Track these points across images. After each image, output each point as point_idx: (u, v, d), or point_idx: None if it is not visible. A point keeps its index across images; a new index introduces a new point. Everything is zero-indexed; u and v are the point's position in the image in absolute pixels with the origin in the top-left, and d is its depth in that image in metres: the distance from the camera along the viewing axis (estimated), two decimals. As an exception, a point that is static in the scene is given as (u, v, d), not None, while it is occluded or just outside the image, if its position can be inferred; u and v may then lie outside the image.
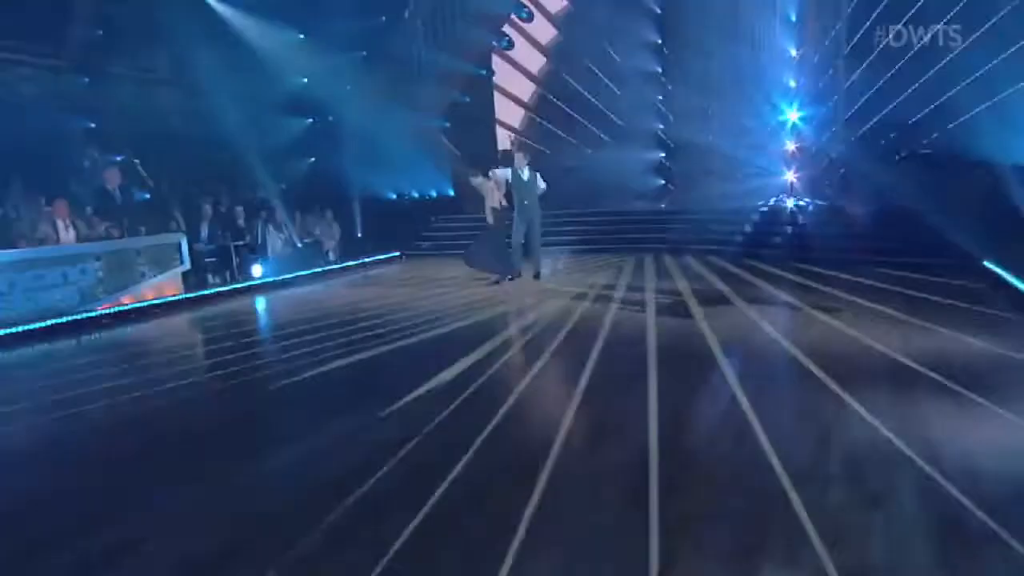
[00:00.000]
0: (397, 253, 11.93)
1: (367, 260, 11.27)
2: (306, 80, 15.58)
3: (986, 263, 7.39)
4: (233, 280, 9.21)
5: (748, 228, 10.51)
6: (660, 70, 15.84)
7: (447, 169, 14.74)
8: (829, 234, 9.35)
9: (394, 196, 13.91)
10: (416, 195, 14.17)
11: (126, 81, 11.11)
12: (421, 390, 4.20)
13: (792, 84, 14.45)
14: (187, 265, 8.19)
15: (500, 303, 7.27)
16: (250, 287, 9.06)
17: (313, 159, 15.55)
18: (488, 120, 17.00)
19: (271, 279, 9.46)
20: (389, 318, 6.63)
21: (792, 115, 14.29)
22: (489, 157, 16.69)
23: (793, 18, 14.17)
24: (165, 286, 7.94)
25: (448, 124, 14.98)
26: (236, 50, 14.77)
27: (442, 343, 5.62)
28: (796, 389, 4.00)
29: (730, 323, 5.66)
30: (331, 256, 10.95)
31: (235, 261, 9.26)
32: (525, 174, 8.32)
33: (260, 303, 8.30)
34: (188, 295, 8.04)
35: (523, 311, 6.73)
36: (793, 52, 14.26)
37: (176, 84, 13.43)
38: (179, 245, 8.07)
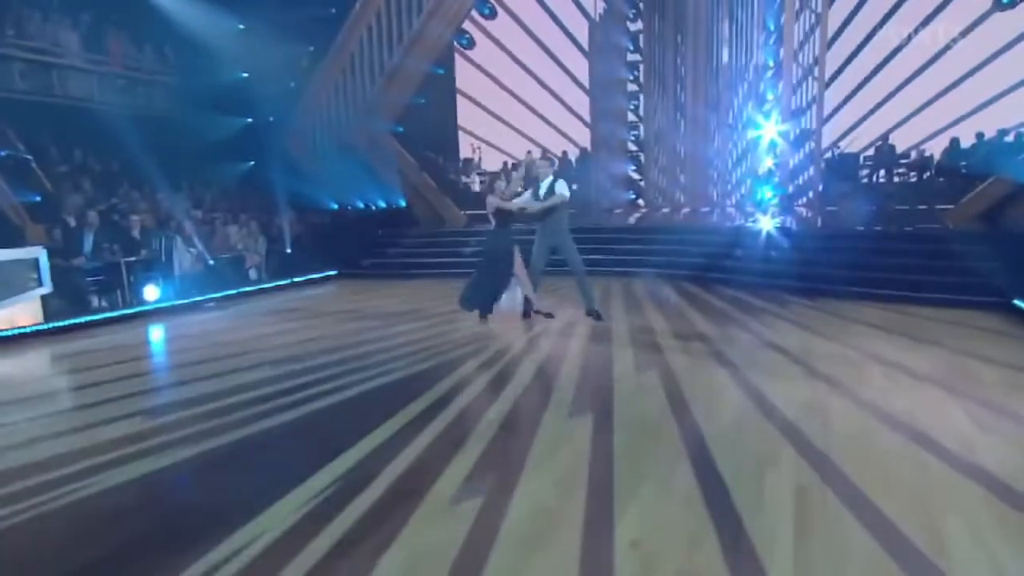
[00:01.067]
0: (334, 272, 10.26)
1: (298, 280, 9.59)
2: (246, 75, 13.91)
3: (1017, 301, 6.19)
4: (123, 304, 7.45)
5: (731, 251, 9.18)
6: (632, 76, 14.58)
7: (399, 178, 13.16)
8: (820, 260, 8.10)
9: (335, 207, 12.22)
10: (361, 206, 12.52)
11: (14, 61, 9.26)
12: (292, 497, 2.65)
13: (770, 97, 13.39)
14: (47, 287, 6.40)
15: (446, 344, 5.71)
16: (141, 314, 7.32)
17: (252, 163, 13.88)
18: (450, 125, 15.50)
19: (173, 303, 7.73)
20: (296, 367, 5.01)
21: (770, 129, 13.21)
22: (446, 166, 15.27)
23: (772, 27, 13.10)
24: (17, 314, 6.15)
25: (402, 129, 13.40)
26: (165, 35, 13.02)
27: (359, 405, 4.06)
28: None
29: (729, 402, 4.22)
30: (253, 275, 9.22)
31: (126, 281, 7.49)
32: (543, 188, 6.29)
33: (136, 337, 6.55)
34: (45, 326, 6.27)
35: (461, 358, 5.19)
36: (771, 64, 13.17)
37: (89, 69, 11.61)
38: (36, 262, 6.27)
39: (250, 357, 5.37)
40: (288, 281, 9.46)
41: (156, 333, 6.72)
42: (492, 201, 6.23)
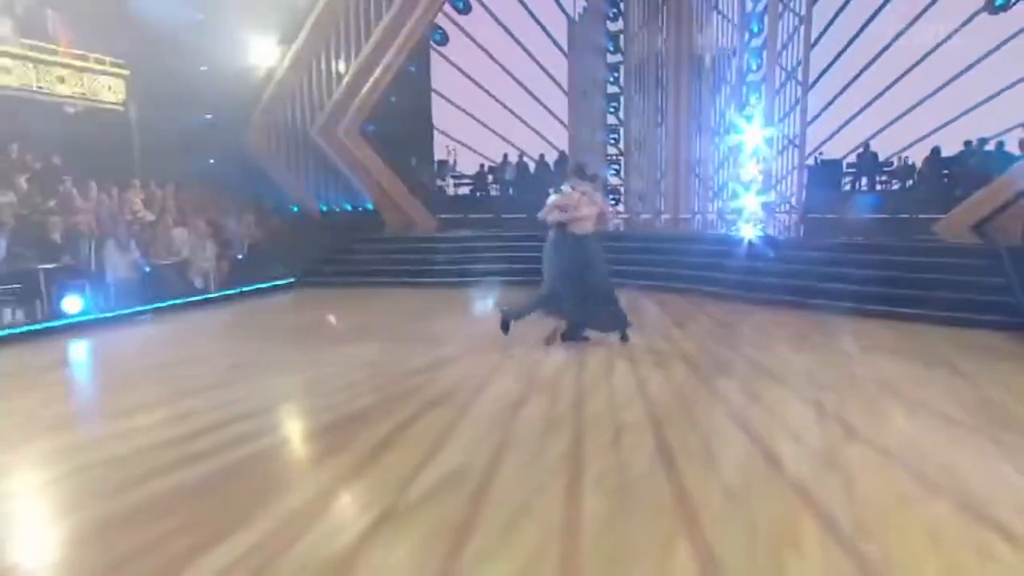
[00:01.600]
0: (292, 280, 9.38)
1: (248, 289, 8.70)
2: (204, 68, 12.95)
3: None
4: (41, 318, 6.51)
5: (715, 261, 8.52)
6: (612, 78, 13.94)
7: (367, 179, 12.32)
8: (812, 272, 7.50)
9: (296, 209, 11.33)
10: (325, 208, 11.65)
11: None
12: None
13: (753, 101, 12.87)
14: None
15: (397, 372, 4.92)
16: (57, 329, 6.40)
17: (211, 161, 12.90)
18: (424, 126, 14.68)
19: (100, 316, 6.82)
20: (216, 402, 4.18)
21: (753, 134, 12.68)
22: (420, 168, 14.45)
23: (755, 29, 12.58)
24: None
25: (372, 127, 12.57)
26: (117, 22, 12.02)
27: (276, 457, 3.25)
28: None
29: (729, 452, 3.51)
30: (199, 283, 8.31)
31: (44, 291, 6.56)
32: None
33: (37, 358, 5.64)
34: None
35: (411, 391, 4.41)
36: (755, 67, 12.65)
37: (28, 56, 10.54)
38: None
39: (162, 389, 4.52)
40: (239, 290, 8.56)
41: (65, 352, 5.82)
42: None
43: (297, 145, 12.64)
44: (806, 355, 5.16)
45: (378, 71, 12.30)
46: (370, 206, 12.12)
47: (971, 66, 11.60)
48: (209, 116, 12.99)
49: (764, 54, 12.36)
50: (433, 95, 14.85)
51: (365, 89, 12.35)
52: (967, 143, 11.57)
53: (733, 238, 9.48)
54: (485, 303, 7.95)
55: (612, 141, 13.79)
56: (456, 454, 3.23)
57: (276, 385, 4.57)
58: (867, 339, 5.65)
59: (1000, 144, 11.31)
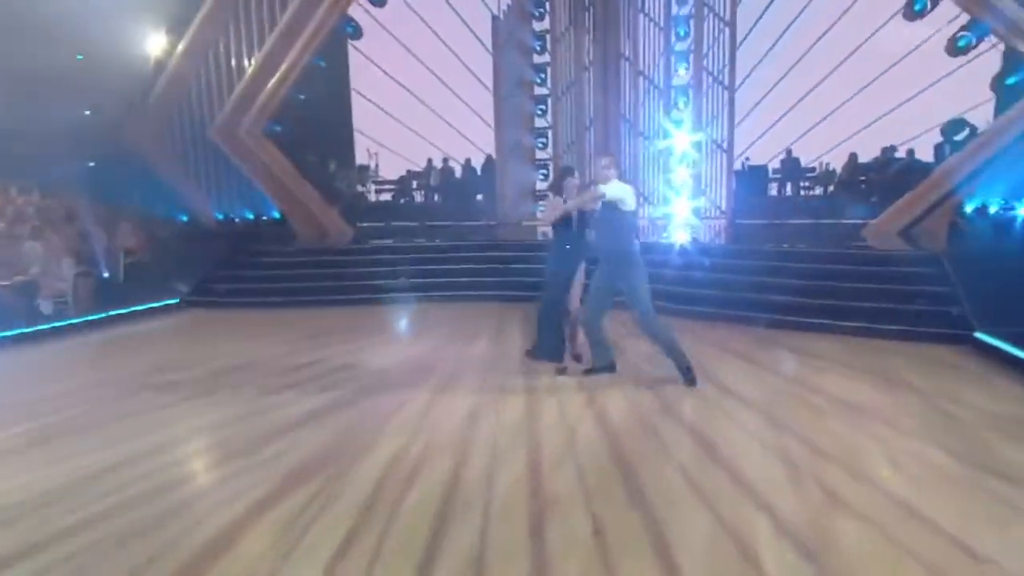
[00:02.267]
0: (175, 300, 7.97)
1: (120, 313, 7.25)
2: (81, 57, 11.22)
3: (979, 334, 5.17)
4: None
5: (659, 271, 7.80)
6: (539, 79, 13.17)
7: (273, 184, 10.98)
8: (742, 282, 6.92)
9: (185, 218, 9.87)
10: (222, 217, 10.22)
11: None
12: None
13: (681, 105, 12.46)
14: None
15: (266, 428, 3.82)
16: None
17: (91, 164, 11.18)
18: (343, 127, 13.39)
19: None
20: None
21: (681, 139, 12.27)
22: (338, 173, 13.17)
23: (682, 33, 12.17)
24: None
25: (280, 128, 11.23)
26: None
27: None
28: None
29: (693, 535, 2.68)
30: (47, 308, 6.79)
31: None
32: (611, 191, 4.29)
33: None
34: None
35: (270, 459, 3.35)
36: (682, 72, 12.24)
37: None
38: None
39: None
40: (107, 315, 7.11)
41: None
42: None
43: (193, 146, 11.14)
44: (758, 383, 4.45)
45: (285, 65, 11.00)
46: (276, 214, 10.78)
47: (886, 71, 11.60)
48: (88, 112, 11.29)
49: (691, 58, 11.96)
50: (354, 94, 13.63)
51: (270, 85, 11.01)
52: (884, 149, 11.59)
53: (665, 246, 8.87)
54: (401, 324, 6.92)
55: (541, 145, 13.02)
56: (307, 569, 2.22)
57: (54, 474, 3.34)
58: (818, 358, 5.04)
59: (910, 151, 11.41)
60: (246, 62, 10.95)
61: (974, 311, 5.39)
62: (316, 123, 11.83)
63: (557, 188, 4.74)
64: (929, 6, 9.08)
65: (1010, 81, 8.40)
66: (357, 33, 11.79)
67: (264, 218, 10.66)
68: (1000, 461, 3.03)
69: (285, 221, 10.83)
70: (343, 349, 5.71)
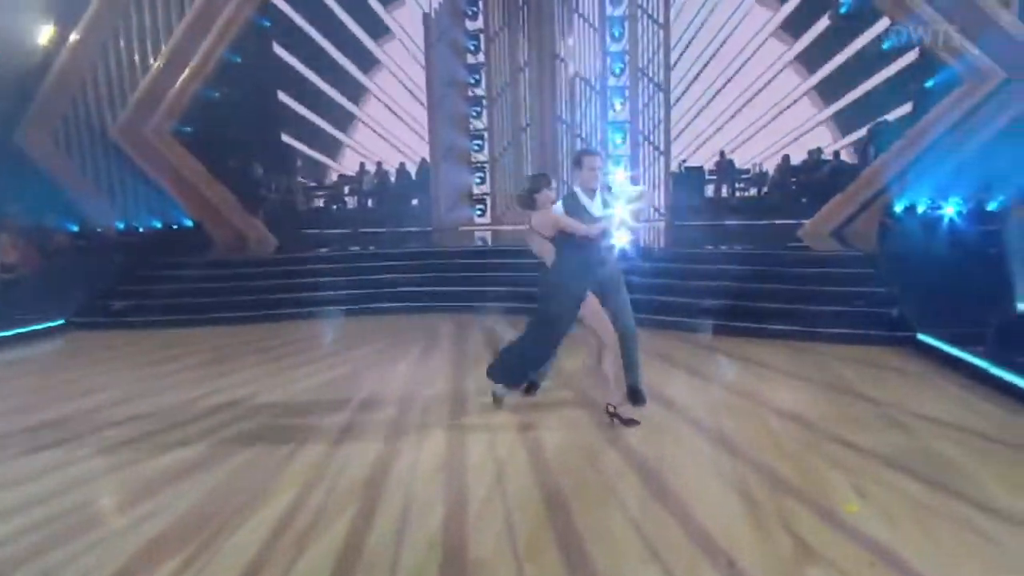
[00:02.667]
0: (59, 322, 6.95)
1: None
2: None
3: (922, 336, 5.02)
4: None
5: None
6: (474, 80, 12.68)
7: (184, 189, 10.00)
8: (677, 287, 6.63)
9: (76, 228, 8.78)
10: (122, 226, 9.17)
11: None
12: None
13: (617, 107, 12.26)
14: None
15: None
16: None
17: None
18: (270, 130, 12.38)
19: None
20: None
21: (617, 140, 12.07)
22: (266, 179, 12.21)
23: (617, 34, 11.97)
24: None
25: (191, 128, 10.25)
26: None
27: None
28: None
29: None
30: None
31: None
32: (596, 201, 3.68)
33: None
34: None
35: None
36: (617, 72, 12.04)
37: None
38: None
39: None
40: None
41: None
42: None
43: (91, 147, 10.00)
44: (707, 399, 4.09)
45: (195, 60, 10.04)
46: (189, 222, 9.80)
47: (814, 75, 11.82)
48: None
49: (626, 59, 11.79)
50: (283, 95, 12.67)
51: (179, 81, 10.03)
52: (810, 152, 11.74)
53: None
54: (323, 343, 6.24)
55: (477, 147, 12.52)
56: None
57: None
58: (764, 367, 4.74)
59: (836, 153, 11.63)
60: (151, 56, 9.91)
61: (913, 312, 5.26)
62: (239, 125, 10.85)
63: (528, 202, 3.65)
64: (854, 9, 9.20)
65: (929, 84, 8.58)
66: (276, 28, 10.96)
67: (175, 226, 9.66)
68: (970, 484, 2.74)
69: (200, 229, 9.87)
70: (247, 376, 4.99)
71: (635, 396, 3.84)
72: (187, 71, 9.98)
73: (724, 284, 6.02)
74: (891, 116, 9.60)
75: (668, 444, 3.31)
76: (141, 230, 9.08)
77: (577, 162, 3.76)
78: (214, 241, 10.14)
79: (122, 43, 9.94)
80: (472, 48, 12.59)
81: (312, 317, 7.34)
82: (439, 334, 6.24)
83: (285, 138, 12.91)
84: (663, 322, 5.90)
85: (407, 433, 3.56)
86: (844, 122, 10.62)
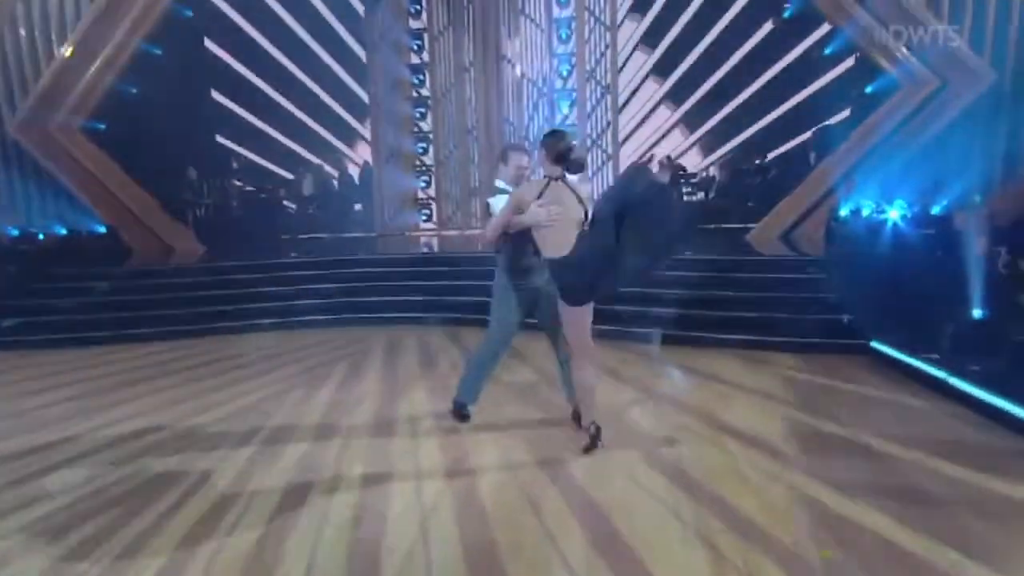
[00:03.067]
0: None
1: None
2: None
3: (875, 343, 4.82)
4: None
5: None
6: (418, 80, 12.13)
7: (96, 193, 9.05)
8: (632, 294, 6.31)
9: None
10: (17, 232, 8.18)
11: None
12: None
13: (564, 111, 11.97)
14: None
15: None
16: None
17: None
18: (201, 130, 11.40)
19: None
20: None
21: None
22: (198, 182, 11.25)
23: (564, 36, 11.68)
24: None
25: (104, 126, 9.30)
26: None
27: None
28: None
29: None
30: None
31: None
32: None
33: None
34: None
35: None
36: (565, 74, 11.75)
37: None
38: None
39: None
40: None
41: None
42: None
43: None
44: (661, 422, 3.72)
45: (108, 50, 9.12)
46: (101, 228, 8.86)
47: (758, 78, 11.75)
48: None
49: (573, 61, 11.51)
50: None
51: (90, 73, 9.08)
52: (757, 156, 11.74)
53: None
54: (241, 362, 5.58)
55: (421, 150, 11.98)
56: None
57: None
58: (718, 381, 4.43)
59: (781, 157, 11.66)
60: (56, 44, 8.92)
61: (864, 318, 5.07)
62: (165, 123, 9.79)
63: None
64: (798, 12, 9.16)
65: (868, 89, 8.60)
66: (208, 23, 10.12)
67: (85, 233, 8.70)
68: (950, 523, 2.43)
69: (114, 236, 8.94)
70: (150, 403, 4.32)
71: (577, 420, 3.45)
72: (98, 62, 9.05)
73: (675, 292, 5.71)
74: (832, 121, 9.60)
75: (619, 480, 2.90)
76: (41, 237, 8.08)
77: (503, 157, 3.38)
78: (133, 249, 9.22)
79: (22, 30, 8.92)
80: (415, 47, 12.07)
81: (239, 332, 6.65)
82: (373, 349, 5.69)
83: (220, 139, 11.99)
84: (609, 332, 5.54)
85: (318, 476, 3.02)
86: (786, 127, 10.59)
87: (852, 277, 5.61)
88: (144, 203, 9.55)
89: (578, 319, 3.09)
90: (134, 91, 9.53)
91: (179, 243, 9.75)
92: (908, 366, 4.39)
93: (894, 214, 6.61)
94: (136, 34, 9.18)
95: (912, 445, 3.18)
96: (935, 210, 6.24)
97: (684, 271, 6.05)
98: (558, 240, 2.96)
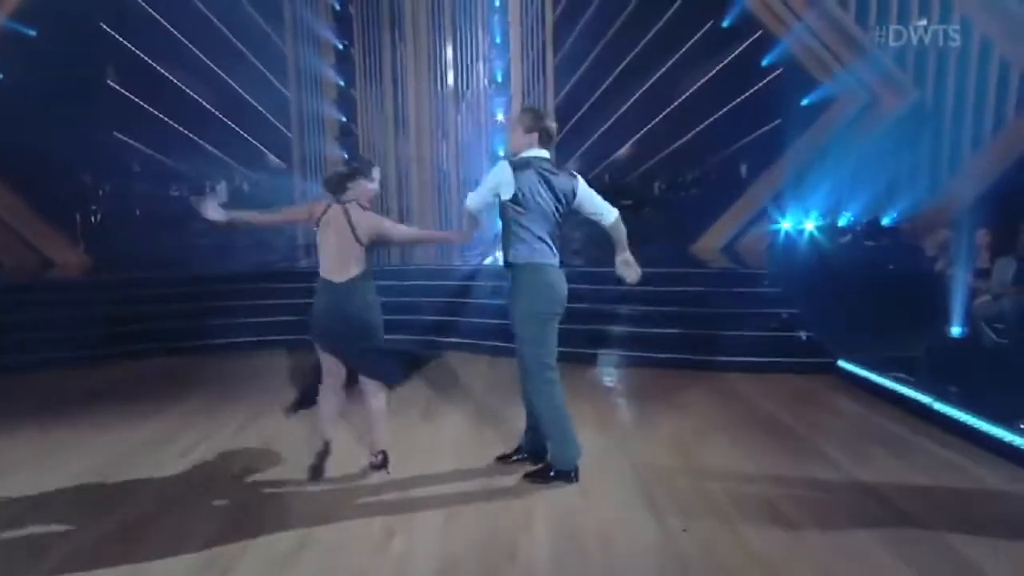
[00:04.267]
0: None
1: None
2: None
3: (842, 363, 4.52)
4: None
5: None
6: (343, 83, 11.27)
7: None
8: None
9: None
10: None
11: None
12: None
13: (499, 117, 11.43)
14: None
15: None
16: None
17: None
18: (100, 130, 9.80)
19: None
20: None
21: (501, 152, 11.25)
22: (98, 185, 9.74)
23: (498, 39, 11.18)
24: None
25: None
26: None
27: None
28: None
29: None
30: None
31: None
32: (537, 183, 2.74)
33: None
34: None
35: None
36: (499, 80, 11.25)
37: None
38: None
39: None
40: None
41: None
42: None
43: None
44: (625, 456, 3.17)
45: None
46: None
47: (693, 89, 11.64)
48: None
49: (510, 65, 11.03)
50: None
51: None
52: (691, 169, 11.64)
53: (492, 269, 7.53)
54: (124, 398, 4.57)
55: (345, 157, 11.08)
56: None
57: None
58: (688, 412, 3.95)
59: (713, 169, 11.63)
60: None
61: (825, 335, 4.80)
62: (47, 115, 8.26)
63: (338, 187, 2.88)
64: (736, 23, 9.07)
65: (804, 102, 8.60)
66: (103, 6, 8.81)
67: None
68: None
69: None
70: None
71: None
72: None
73: (628, 308, 5.25)
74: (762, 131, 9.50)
75: (590, 538, 2.31)
76: None
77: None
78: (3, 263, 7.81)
79: None
80: (341, 46, 11.21)
81: (121, 360, 5.57)
82: (284, 380, 4.83)
83: (120, 136, 10.49)
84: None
85: (221, 554, 2.23)
86: (716, 138, 10.47)
87: (799, 291, 5.34)
88: (11, 208, 8.12)
89: None
90: (1, 77, 8.11)
91: (59, 256, 8.38)
92: (875, 385, 4.10)
93: (810, 226, 6.45)
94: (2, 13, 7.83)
95: (910, 485, 2.78)
96: (885, 221, 6.14)
97: (636, 285, 5.60)
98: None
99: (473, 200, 2.88)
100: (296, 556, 2.30)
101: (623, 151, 12.20)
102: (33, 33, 8.16)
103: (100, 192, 10.23)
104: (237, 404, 4.23)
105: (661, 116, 11.10)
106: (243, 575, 2.19)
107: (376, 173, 2.89)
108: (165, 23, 10.22)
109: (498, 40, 11.15)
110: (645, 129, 11.51)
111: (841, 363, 4.50)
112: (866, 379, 4.22)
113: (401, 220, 10.59)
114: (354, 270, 2.76)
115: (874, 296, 4.86)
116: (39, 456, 3.39)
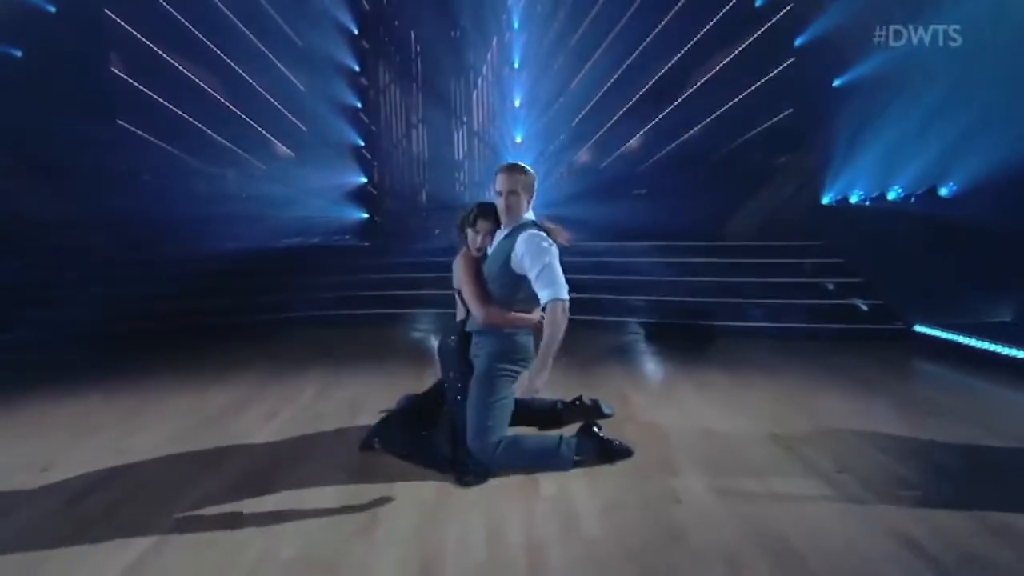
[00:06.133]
0: None
1: None
2: None
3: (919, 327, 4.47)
4: None
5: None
6: (357, 68, 11.07)
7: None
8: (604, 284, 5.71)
9: None
10: None
11: None
12: None
13: (517, 103, 11.29)
14: None
15: None
16: None
17: None
18: (98, 108, 9.39)
19: None
20: None
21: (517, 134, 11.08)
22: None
23: (516, 25, 11.06)
24: None
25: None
26: None
27: None
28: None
29: None
30: None
31: None
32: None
33: None
34: None
35: None
36: (516, 64, 11.11)
37: None
38: None
39: None
40: None
41: None
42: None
43: None
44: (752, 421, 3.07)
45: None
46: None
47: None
48: None
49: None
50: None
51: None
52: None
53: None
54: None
55: (363, 143, 10.88)
56: None
57: None
58: (782, 375, 3.87)
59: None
60: None
61: (899, 301, 4.74)
62: (40, 98, 7.87)
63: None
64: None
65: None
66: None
67: None
68: None
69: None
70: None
71: None
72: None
73: (704, 280, 5.18)
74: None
75: (748, 481, 2.19)
76: None
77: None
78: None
79: None
80: (355, 29, 11.01)
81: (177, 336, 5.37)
82: (345, 353, 4.66)
83: (123, 124, 10.00)
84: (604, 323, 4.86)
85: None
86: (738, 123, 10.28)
87: (871, 261, 5.26)
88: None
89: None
90: None
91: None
92: (959, 345, 4.03)
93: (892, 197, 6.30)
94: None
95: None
96: (943, 191, 6.02)
97: (701, 257, 5.51)
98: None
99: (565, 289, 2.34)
100: (442, 503, 2.17)
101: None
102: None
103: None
104: (305, 375, 4.07)
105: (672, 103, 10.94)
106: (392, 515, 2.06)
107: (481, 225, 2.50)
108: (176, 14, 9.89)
109: (516, 25, 11.04)
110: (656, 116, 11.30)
111: (918, 328, 4.44)
112: (945, 340, 4.15)
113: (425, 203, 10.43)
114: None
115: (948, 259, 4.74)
116: (123, 418, 3.22)
